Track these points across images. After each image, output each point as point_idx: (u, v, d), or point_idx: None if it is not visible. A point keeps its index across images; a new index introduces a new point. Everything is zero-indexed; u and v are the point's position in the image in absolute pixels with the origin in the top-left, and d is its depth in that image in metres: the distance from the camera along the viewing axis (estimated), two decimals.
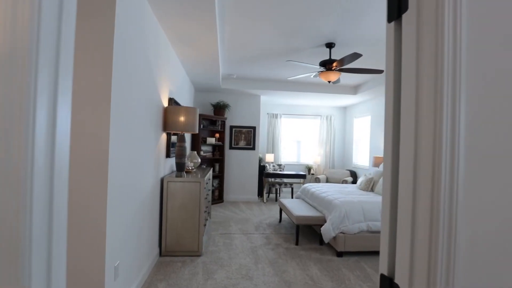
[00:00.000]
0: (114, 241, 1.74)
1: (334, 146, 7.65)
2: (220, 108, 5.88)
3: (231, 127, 6.26)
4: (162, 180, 3.03)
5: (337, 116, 7.73)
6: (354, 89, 5.96)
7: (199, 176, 3.22)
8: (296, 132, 7.64)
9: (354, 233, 3.21)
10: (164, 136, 3.10)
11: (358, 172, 6.89)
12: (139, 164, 2.20)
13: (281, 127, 7.45)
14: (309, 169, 7.44)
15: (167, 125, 2.97)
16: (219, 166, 5.98)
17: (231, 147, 6.25)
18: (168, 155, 3.24)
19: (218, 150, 6.02)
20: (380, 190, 3.93)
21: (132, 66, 1.96)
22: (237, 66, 4.77)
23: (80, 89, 1.59)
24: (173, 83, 3.50)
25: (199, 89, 5.87)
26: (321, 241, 3.57)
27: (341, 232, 3.22)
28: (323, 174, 7.33)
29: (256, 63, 4.52)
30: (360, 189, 4.38)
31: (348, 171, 6.91)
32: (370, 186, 4.25)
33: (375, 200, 3.49)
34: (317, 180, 6.66)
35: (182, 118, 2.98)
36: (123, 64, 1.79)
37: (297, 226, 3.55)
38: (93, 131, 1.60)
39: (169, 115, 2.96)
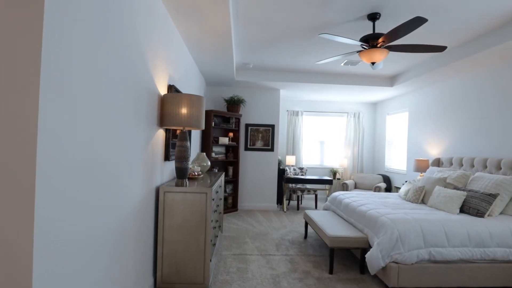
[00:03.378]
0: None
1: (362, 148, 6.76)
2: (234, 104, 5.17)
3: (247, 126, 5.54)
4: (157, 190, 2.34)
5: (366, 113, 6.85)
6: (390, 80, 5.09)
7: (208, 183, 2.51)
8: (320, 132, 6.82)
9: (412, 263, 2.39)
10: (161, 133, 2.42)
11: (393, 178, 5.98)
12: (115, 170, 1.51)
13: (302, 126, 6.66)
14: (334, 173, 6.60)
15: (164, 119, 2.28)
16: (233, 169, 5.27)
17: (246, 148, 5.53)
18: (167, 158, 2.56)
19: (232, 151, 5.32)
20: (437, 202, 3.08)
21: (97, 25, 1.27)
22: (254, 52, 4.04)
23: None
24: (175, 69, 2.82)
25: (210, 83, 5.20)
26: (362, 268, 2.77)
27: (393, 262, 2.41)
28: (350, 179, 6.47)
29: (277, 47, 3.78)
30: (407, 201, 3.53)
31: (380, 176, 6.03)
32: (420, 197, 3.39)
33: (437, 217, 2.64)
34: (344, 186, 5.82)
35: (184, 110, 2.27)
36: (76, 17, 1.10)
37: (331, 250, 2.77)
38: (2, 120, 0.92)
39: (167, 105, 2.27)
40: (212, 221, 2.46)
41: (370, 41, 2.66)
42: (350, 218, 3.23)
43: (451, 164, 4.12)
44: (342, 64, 4.38)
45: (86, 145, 1.22)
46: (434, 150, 4.74)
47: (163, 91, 2.41)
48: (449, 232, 2.47)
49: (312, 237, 3.83)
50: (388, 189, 5.93)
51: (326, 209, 4.09)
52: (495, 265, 2.46)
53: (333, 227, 2.97)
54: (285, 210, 5.37)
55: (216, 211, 2.91)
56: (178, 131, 2.80)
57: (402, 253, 2.39)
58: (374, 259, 2.42)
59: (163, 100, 2.32)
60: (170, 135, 2.61)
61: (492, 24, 2.90)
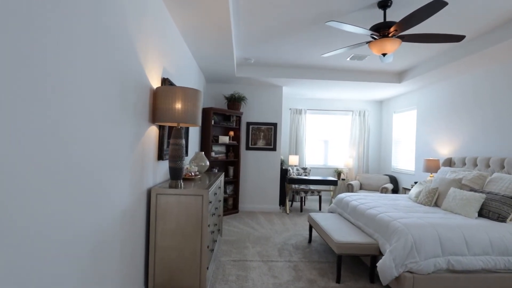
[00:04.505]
0: None
1: (368, 147, 6.53)
2: (235, 101, 4.97)
3: (248, 124, 5.33)
4: (149, 192, 2.14)
5: (371, 111, 6.62)
6: (399, 76, 4.87)
7: (205, 184, 2.31)
8: (324, 131, 6.61)
9: (428, 273, 2.18)
10: (153, 130, 2.22)
11: (400, 178, 5.75)
12: (93, 170, 1.31)
13: (306, 125, 6.44)
14: (338, 173, 6.37)
15: (157, 114, 2.08)
16: (234, 169, 5.06)
17: (248, 147, 5.32)
18: (161, 157, 2.36)
19: (233, 150, 5.11)
20: (453, 205, 2.85)
21: None
22: (255, 46, 3.84)
23: None
24: (170, 62, 2.62)
25: (210, 79, 5.00)
26: (372, 277, 2.55)
27: (407, 271, 2.19)
28: (356, 179, 6.24)
29: (280, 40, 3.57)
30: (419, 203, 3.30)
31: (387, 177, 5.80)
32: (433, 200, 3.17)
33: (454, 222, 2.42)
34: (349, 187, 5.60)
35: (178, 105, 2.07)
36: None
37: (339, 257, 2.55)
38: None
39: (159, 99, 2.07)
40: (209, 225, 2.26)
41: (381, 30, 2.45)
42: (358, 221, 3.01)
43: (464, 164, 3.89)
44: (348, 59, 4.17)
45: (53, 142, 1.02)
46: (444, 150, 4.51)
47: (155, 84, 2.21)
48: (469, 239, 2.25)
49: (316, 241, 3.61)
50: (395, 190, 5.70)
51: (331, 212, 3.88)
52: None
53: (340, 232, 2.76)
54: (287, 212, 5.16)
55: (214, 214, 2.71)
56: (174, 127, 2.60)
57: (418, 261, 2.17)
58: (387, 268, 2.20)
59: (155, 94, 2.12)
60: (165, 132, 2.41)
61: (506, 16, 2.67)
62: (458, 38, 2.43)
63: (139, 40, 1.82)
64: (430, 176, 4.30)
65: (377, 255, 2.53)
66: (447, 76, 4.29)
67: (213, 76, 4.73)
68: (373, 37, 2.57)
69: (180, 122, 2.08)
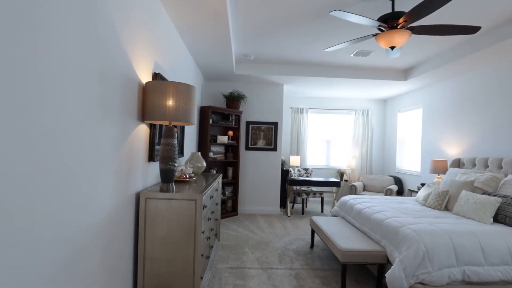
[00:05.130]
0: None
1: (371, 147, 6.35)
2: (234, 100, 4.80)
3: (248, 123, 5.16)
4: (137, 197, 1.97)
5: (375, 110, 6.44)
6: (404, 74, 4.68)
7: (200, 187, 2.13)
8: (326, 130, 6.43)
9: (442, 285, 2.00)
10: (143, 129, 2.05)
11: (405, 179, 5.57)
12: (66, 173, 1.14)
13: (307, 124, 6.26)
14: (341, 174, 6.20)
15: (146, 112, 1.91)
16: (233, 170, 4.89)
17: (247, 148, 5.15)
18: (152, 158, 2.19)
19: (232, 151, 4.94)
20: (465, 210, 2.67)
21: None
22: (255, 42, 3.67)
23: None
24: (162, 56, 2.45)
25: (208, 77, 4.83)
26: (378, 287, 2.38)
27: (419, 282, 2.02)
28: (359, 181, 6.06)
29: (280, 34, 3.40)
30: (427, 207, 3.12)
31: (391, 178, 5.61)
32: (444, 203, 2.99)
33: (468, 228, 2.24)
34: (353, 188, 5.42)
35: (169, 101, 1.90)
36: None
37: (344, 266, 2.38)
38: None
39: (149, 95, 1.90)
40: (203, 232, 2.09)
41: (390, 21, 2.27)
42: (364, 227, 2.84)
43: (474, 165, 3.70)
44: (352, 55, 3.99)
45: (18, 142, 0.85)
46: (452, 150, 4.32)
47: (145, 79, 2.04)
48: (486, 247, 2.07)
49: (319, 247, 3.44)
50: (400, 191, 5.51)
51: (334, 215, 3.70)
52: None
53: (344, 238, 2.58)
54: (289, 214, 4.98)
55: (210, 219, 2.54)
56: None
57: (431, 272, 1.99)
58: (396, 279, 2.02)
59: (144, 90, 1.95)
60: (157, 132, 2.24)
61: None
62: (473, 30, 2.25)
63: (126, 30, 1.65)
64: (438, 178, 4.11)
65: (385, 263, 2.35)
66: (455, 74, 4.11)
67: (211, 73, 4.56)
68: (380, 29, 2.39)
69: (172, 120, 1.91)
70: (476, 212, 2.54)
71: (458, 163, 3.99)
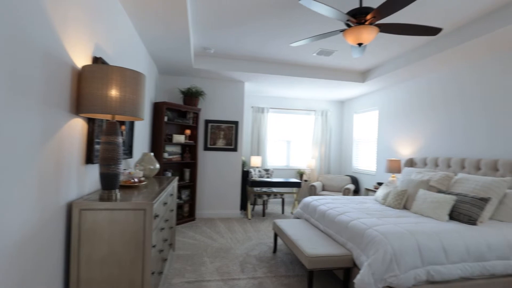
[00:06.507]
0: None
1: (330, 148, 6.47)
2: (192, 96, 4.46)
3: (207, 122, 4.85)
4: (69, 208, 1.60)
5: (333, 112, 6.58)
6: (363, 76, 4.80)
7: (152, 193, 1.81)
8: (286, 131, 6.38)
9: (409, 287, 1.96)
10: (78, 123, 1.68)
11: (361, 179, 5.75)
12: None
13: (268, 124, 6.15)
14: (301, 174, 6.20)
15: (83, 103, 1.54)
16: (190, 172, 4.55)
17: (206, 148, 4.84)
18: (90, 160, 1.81)
19: (189, 151, 4.60)
20: (423, 208, 2.73)
21: None
22: (216, 33, 3.41)
23: None
24: (107, 39, 2.07)
25: (164, 71, 4.43)
26: None
27: (387, 286, 1.95)
28: (318, 180, 6.12)
29: (244, 26, 3.19)
30: (387, 206, 3.16)
31: (349, 177, 5.75)
32: (403, 202, 3.04)
33: (430, 227, 2.26)
34: (312, 189, 5.43)
35: (113, 91, 1.56)
36: None
37: (310, 273, 2.25)
38: None
39: (86, 83, 1.54)
40: (154, 246, 1.78)
41: (358, 16, 2.19)
42: (328, 229, 2.75)
43: (425, 164, 3.90)
44: (315, 54, 3.94)
45: None
46: (406, 150, 4.53)
47: (80, 61, 1.67)
48: (447, 247, 2.09)
49: (282, 251, 3.29)
50: (357, 191, 5.68)
51: (297, 217, 3.60)
52: (495, 280, 2.14)
53: (310, 243, 2.46)
54: (249, 217, 4.79)
55: (163, 228, 2.22)
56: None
57: (398, 275, 1.94)
58: (366, 285, 1.94)
59: (81, 75, 1.58)
60: (98, 128, 1.87)
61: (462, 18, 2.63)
62: (435, 31, 2.28)
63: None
64: (392, 177, 4.27)
65: (351, 267, 2.28)
66: (409, 77, 4.30)
67: (167, 66, 4.18)
68: (348, 25, 2.31)
69: (116, 114, 1.57)
70: (434, 210, 2.61)
71: (411, 163, 4.18)
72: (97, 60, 1.83)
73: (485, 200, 2.46)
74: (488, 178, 2.69)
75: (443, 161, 3.59)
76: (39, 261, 1.29)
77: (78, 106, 1.61)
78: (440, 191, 2.90)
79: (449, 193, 2.75)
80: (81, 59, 1.66)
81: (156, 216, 1.82)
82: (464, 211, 2.49)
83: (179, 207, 4.45)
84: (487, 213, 2.51)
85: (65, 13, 1.44)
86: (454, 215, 2.56)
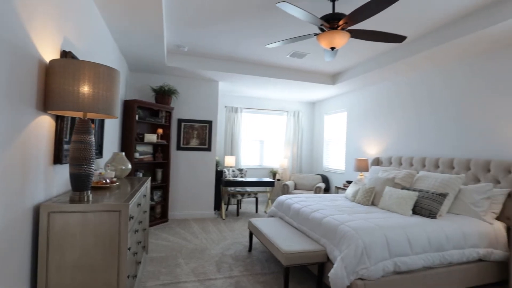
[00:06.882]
0: None
1: (302, 147, 6.64)
2: (164, 94, 4.35)
3: (180, 121, 4.76)
4: (37, 211, 1.49)
5: (305, 112, 6.76)
6: (333, 79, 4.99)
7: (125, 194, 1.75)
8: (259, 130, 6.45)
9: (378, 278, 2.09)
10: (46, 121, 1.57)
11: (331, 177, 5.97)
12: None
13: (241, 124, 6.17)
14: (274, 174, 6.29)
15: (51, 99, 1.45)
16: (163, 172, 4.43)
17: (179, 147, 4.75)
18: (59, 160, 1.71)
19: (162, 151, 4.48)
20: (389, 204, 2.91)
21: None
22: (190, 31, 3.36)
23: None
24: (76, 32, 1.97)
25: (135, 68, 4.27)
26: (319, 286, 2.38)
27: (359, 278, 2.07)
28: (290, 179, 6.26)
29: (218, 26, 3.18)
30: (357, 203, 3.33)
31: (319, 176, 5.95)
32: (371, 199, 3.22)
33: (397, 222, 2.42)
34: (285, 187, 5.54)
35: (85, 87, 1.49)
36: None
37: (286, 269, 2.30)
38: None
39: (55, 78, 1.45)
40: (129, 248, 1.73)
41: (331, 21, 2.29)
42: (303, 226, 2.84)
43: (391, 163, 4.15)
44: (288, 56, 4.03)
45: None
46: (372, 150, 4.79)
47: (50, 57, 1.57)
48: (412, 239, 2.25)
49: (257, 249, 3.33)
50: (327, 189, 5.89)
51: (271, 216, 3.66)
52: (452, 268, 2.34)
53: (286, 240, 2.52)
54: (223, 217, 4.78)
55: (137, 230, 2.15)
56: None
57: (368, 267, 2.06)
58: (339, 278, 2.03)
59: (49, 70, 1.48)
60: (67, 126, 1.77)
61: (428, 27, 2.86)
62: (400, 39, 2.45)
63: None
64: (360, 175, 4.49)
65: (325, 262, 2.37)
66: (378, 80, 4.55)
67: (138, 63, 4.03)
68: (321, 29, 2.40)
69: (88, 112, 1.50)
70: (399, 206, 2.80)
71: (377, 162, 4.43)
72: (66, 54, 1.73)
73: (443, 196, 2.68)
74: (446, 175, 2.94)
75: (406, 160, 3.85)
76: (3, 265, 1.19)
77: (46, 103, 1.51)
78: (404, 188, 3.11)
79: (412, 190, 2.97)
80: (49, 53, 1.56)
81: (131, 217, 1.76)
82: (426, 206, 2.69)
83: (151, 208, 4.31)
84: (445, 207, 2.74)
85: (32, 3, 1.34)
86: (417, 210, 2.76)
